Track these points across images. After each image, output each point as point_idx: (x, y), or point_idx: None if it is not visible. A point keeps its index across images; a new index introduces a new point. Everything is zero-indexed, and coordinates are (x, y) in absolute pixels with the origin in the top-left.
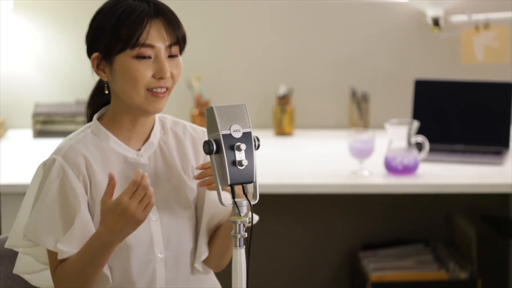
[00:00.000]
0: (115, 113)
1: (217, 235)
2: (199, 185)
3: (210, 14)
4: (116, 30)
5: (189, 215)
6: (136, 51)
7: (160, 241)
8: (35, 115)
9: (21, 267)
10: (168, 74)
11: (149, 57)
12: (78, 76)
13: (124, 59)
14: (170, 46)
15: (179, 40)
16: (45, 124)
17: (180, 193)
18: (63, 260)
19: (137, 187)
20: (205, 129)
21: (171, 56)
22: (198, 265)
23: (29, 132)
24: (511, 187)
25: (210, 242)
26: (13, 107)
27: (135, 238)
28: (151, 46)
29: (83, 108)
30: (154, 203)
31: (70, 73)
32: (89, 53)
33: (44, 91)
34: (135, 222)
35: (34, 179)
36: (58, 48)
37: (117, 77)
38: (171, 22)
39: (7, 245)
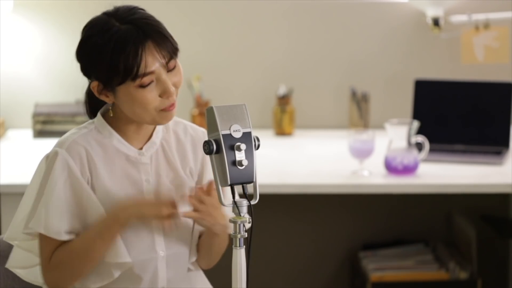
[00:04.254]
0: (121, 115)
1: (201, 237)
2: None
3: (210, 14)
4: (112, 64)
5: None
6: (138, 81)
7: (161, 240)
8: (35, 115)
9: (14, 262)
10: (173, 90)
11: (152, 82)
12: (78, 76)
13: (127, 89)
14: (167, 64)
15: (173, 53)
16: (45, 124)
17: (180, 192)
18: (60, 246)
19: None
20: (205, 130)
21: (169, 70)
22: (190, 265)
23: (29, 132)
24: (511, 187)
25: (198, 243)
26: (13, 107)
27: (137, 235)
28: (151, 73)
29: (83, 108)
30: None
31: (70, 73)
32: (86, 74)
33: (44, 91)
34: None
35: (37, 172)
36: (58, 48)
37: (123, 102)
38: (162, 40)
39: (6, 237)
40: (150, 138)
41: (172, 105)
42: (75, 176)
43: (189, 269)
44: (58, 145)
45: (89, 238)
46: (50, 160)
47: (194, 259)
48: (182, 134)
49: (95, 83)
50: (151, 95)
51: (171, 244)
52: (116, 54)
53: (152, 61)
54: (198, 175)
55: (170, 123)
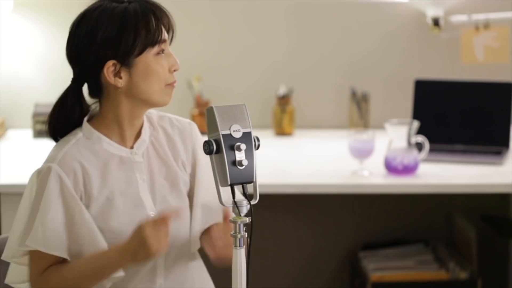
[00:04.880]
0: (107, 116)
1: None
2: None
3: (210, 14)
4: (135, 33)
5: (185, 208)
6: (157, 48)
7: None
8: (35, 115)
9: (13, 277)
10: (178, 64)
11: (163, 52)
12: None
13: (147, 59)
14: (171, 38)
15: (173, 30)
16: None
17: (175, 187)
18: (53, 266)
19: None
20: (190, 121)
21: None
22: (192, 254)
23: (29, 132)
24: (511, 187)
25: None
26: (13, 107)
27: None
28: (164, 42)
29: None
30: (152, 200)
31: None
32: (95, 66)
33: (44, 91)
34: (148, 253)
35: (29, 187)
36: (58, 48)
37: (139, 78)
38: (168, 15)
39: (4, 257)
40: (139, 136)
41: (174, 81)
42: (69, 191)
43: (193, 258)
44: (49, 160)
45: (85, 274)
46: (43, 175)
47: (196, 248)
48: (169, 128)
49: (110, 63)
50: (163, 64)
51: (169, 240)
52: (140, 22)
53: (164, 31)
54: (191, 166)
55: (155, 118)
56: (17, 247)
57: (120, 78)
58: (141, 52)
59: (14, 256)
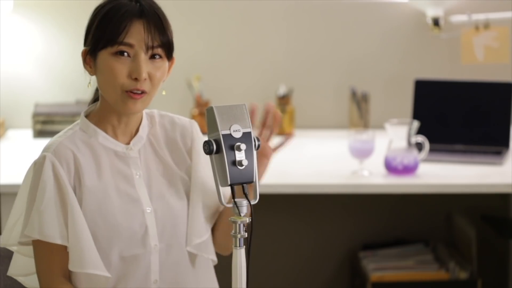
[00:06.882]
0: (102, 110)
1: (218, 222)
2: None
3: (210, 14)
4: (101, 28)
5: (183, 205)
6: (115, 48)
7: (154, 233)
8: (35, 115)
9: (16, 269)
10: (144, 76)
11: (128, 56)
12: (78, 76)
13: (105, 56)
14: (152, 48)
15: (163, 44)
16: (45, 124)
17: (172, 184)
18: (62, 257)
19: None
20: (191, 120)
21: (153, 58)
22: (191, 248)
23: (29, 132)
24: (511, 187)
25: (214, 229)
26: (13, 107)
27: (129, 229)
28: (129, 45)
29: (83, 108)
30: (148, 195)
31: (70, 73)
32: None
33: (44, 91)
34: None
35: (26, 177)
36: (58, 48)
37: (98, 72)
38: (155, 24)
39: (1, 244)
40: (137, 133)
41: (140, 94)
42: (62, 179)
43: (193, 255)
44: (45, 149)
45: None
46: (38, 165)
47: (196, 240)
48: (169, 126)
49: (84, 50)
50: (121, 67)
51: (164, 237)
52: (107, 19)
53: (135, 35)
54: (187, 153)
55: (156, 117)
56: (13, 236)
57: (90, 67)
58: (103, 47)
59: (7, 244)
